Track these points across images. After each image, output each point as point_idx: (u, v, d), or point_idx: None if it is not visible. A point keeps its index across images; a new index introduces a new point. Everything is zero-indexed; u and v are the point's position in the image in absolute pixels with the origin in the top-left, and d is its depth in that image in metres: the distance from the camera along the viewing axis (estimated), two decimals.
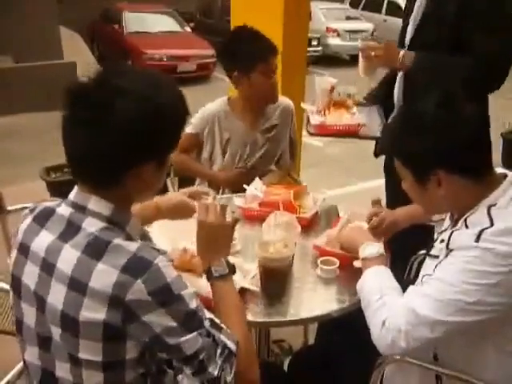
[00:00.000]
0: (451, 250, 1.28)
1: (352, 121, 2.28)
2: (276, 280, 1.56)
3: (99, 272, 1.02)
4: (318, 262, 1.66)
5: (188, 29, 11.87)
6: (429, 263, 1.42)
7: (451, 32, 2.01)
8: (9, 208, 2.44)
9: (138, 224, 1.19)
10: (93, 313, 1.02)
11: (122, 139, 1.04)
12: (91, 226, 1.08)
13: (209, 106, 2.48)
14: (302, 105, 2.57)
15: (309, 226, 1.96)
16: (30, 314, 1.12)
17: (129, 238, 1.11)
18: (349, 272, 1.65)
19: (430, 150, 1.26)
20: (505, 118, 5.00)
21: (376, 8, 14.69)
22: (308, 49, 13.12)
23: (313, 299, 1.60)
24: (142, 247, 1.06)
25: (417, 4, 2.17)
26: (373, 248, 1.50)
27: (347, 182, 5.10)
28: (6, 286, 1.97)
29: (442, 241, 1.35)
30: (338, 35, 12.76)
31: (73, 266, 1.05)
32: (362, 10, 14.81)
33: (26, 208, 1.22)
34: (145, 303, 1.02)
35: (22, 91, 7.43)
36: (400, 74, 2.25)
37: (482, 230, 1.23)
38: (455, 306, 1.21)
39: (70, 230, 1.09)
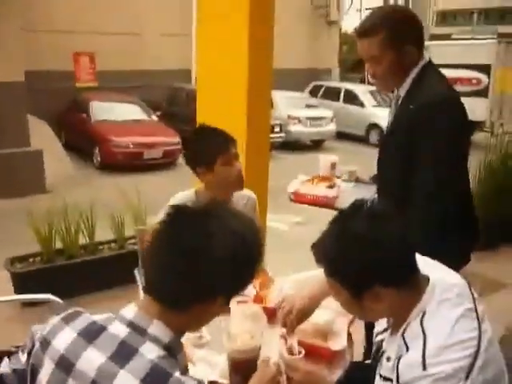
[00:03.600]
0: None
1: (322, 192, 2.37)
2: (245, 371, 1.59)
3: None
4: (284, 351, 1.71)
5: (154, 117, 12.23)
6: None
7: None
8: None
9: (185, 355, 1.19)
10: None
11: (212, 269, 1.09)
12: (150, 352, 1.05)
13: (179, 196, 2.54)
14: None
15: (274, 316, 2.00)
16: None
17: (180, 370, 1.08)
18: (315, 361, 1.69)
19: (367, 267, 1.27)
20: None
21: (334, 97, 15.55)
22: (271, 135, 13.63)
23: None
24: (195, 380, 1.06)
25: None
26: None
27: (313, 265, 5.18)
28: None
29: (389, 359, 1.37)
30: (299, 122, 13.36)
31: None
32: (320, 99, 15.62)
33: None
34: None
35: None
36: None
37: (424, 353, 1.26)
38: None
39: (125, 352, 1.05)
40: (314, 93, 16.13)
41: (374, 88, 15.85)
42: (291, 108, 13.64)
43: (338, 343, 1.68)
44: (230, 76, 3.69)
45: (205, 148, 2.41)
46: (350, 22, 25.43)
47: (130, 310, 1.12)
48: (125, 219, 4.44)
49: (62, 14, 13.24)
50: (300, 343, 1.74)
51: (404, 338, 1.33)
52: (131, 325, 1.09)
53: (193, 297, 1.11)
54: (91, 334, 1.09)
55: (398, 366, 1.31)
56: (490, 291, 4.42)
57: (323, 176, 2.48)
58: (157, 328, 1.09)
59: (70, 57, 13.35)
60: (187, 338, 1.79)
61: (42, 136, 9.78)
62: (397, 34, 2.04)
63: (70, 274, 4.14)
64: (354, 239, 1.28)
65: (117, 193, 4.48)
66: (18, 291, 3.95)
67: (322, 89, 16.21)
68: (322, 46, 18.91)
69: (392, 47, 2.05)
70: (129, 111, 11.88)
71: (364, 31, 2.10)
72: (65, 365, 1.07)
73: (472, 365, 1.26)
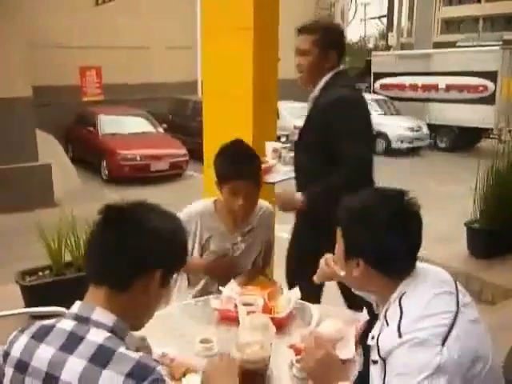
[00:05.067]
0: (384, 360, 1.37)
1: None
2: (254, 382, 1.60)
3: (105, 379, 1.09)
4: (293, 361, 1.71)
5: (161, 129, 12.29)
6: (373, 372, 1.46)
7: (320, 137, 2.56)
8: None
9: (134, 337, 1.27)
10: None
11: (146, 241, 1.23)
12: (96, 335, 1.15)
13: (196, 205, 2.54)
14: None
15: (283, 326, 2.02)
16: None
17: (127, 348, 1.17)
18: None
19: (364, 243, 1.48)
20: (466, 208, 5.23)
21: None
22: None
23: None
24: (144, 356, 1.15)
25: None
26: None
27: None
28: None
29: (372, 338, 1.46)
30: None
31: (79, 375, 1.10)
32: None
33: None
34: None
35: None
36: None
37: (399, 324, 1.36)
38: None
39: (73, 341, 1.15)
40: None
41: (380, 97, 15.89)
42: (297, 118, 13.65)
43: (346, 352, 1.68)
44: (236, 87, 3.72)
45: (218, 167, 2.43)
46: (354, 32, 25.60)
47: (74, 306, 1.23)
48: None
49: (68, 30, 13.41)
50: None
51: (385, 318, 1.43)
52: (76, 317, 1.20)
53: (129, 272, 1.22)
54: (41, 334, 1.19)
55: (378, 341, 1.40)
56: (501, 298, 4.40)
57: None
58: (99, 314, 1.19)
59: (76, 71, 13.49)
60: (198, 351, 1.80)
61: (50, 150, 9.85)
62: (327, 39, 2.58)
63: (79, 287, 4.14)
64: (374, 218, 1.46)
65: None
66: (28, 304, 3.96)
67: None
68: None
69: (322, 47, 2.57)
70: (135, 124, 11.97)
71: (304, 29, 2.62)
72: (21, 366, 1.17)
73: (448, 333, 1.32)
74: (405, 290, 1.43)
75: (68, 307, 2.56)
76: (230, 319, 2.06)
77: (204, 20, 3.92)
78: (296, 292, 2.19)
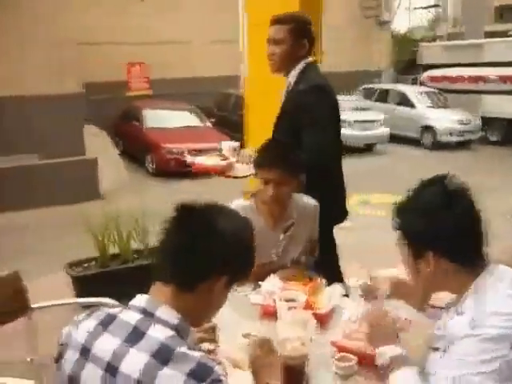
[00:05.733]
0: (449, 344, 1.37)
1: (216, 162, 2.91)
2: (295, 378, 1.58)
3: (166, 377, 1.10)
4: (335, 358, 1.68)
5: (208, 123, 12.35)
6: (432, 357, 1.47)
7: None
8: (33, 306, 2.51)
9: (195, 338, 1.32)
10: None
11: (222, 246, 1.26)
12: (158, 332, 1.17)
13: (237, 202, 2.54)
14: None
15: (325, 322, 1.99)
16: None
17: (188, 348, 1.18)
18: (368, 368, 1.67)
19: (425, 232, 1.43)
20: None
21: (385, 99, 15.30)
22: None
23: None
24: (203, 356, 1.16)
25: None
26: (397, 349, 1.54)
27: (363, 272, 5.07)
28: None
29: (439, 328, 1.46)
30: (350, 126, 13.19)
31: (140, 369, 1.12)
32: (371, 101, 15.39)
33: (51, 306, 1.29)
34: None
35: (45, 186, 7.74)
36: None
37: (473, 316, 1.34)
38: None
39: (136, 335, 1.17)
40: (365, 95, 15.92)
41: (428, 89, 15.50)
42: (342, 111, 13.45)
43: (392, 350, 1.63)
44: (279, 82, 3.70)
45: (256, 156, 2.47)
46: (400, 23, 25.03)
47: (140, 299, 1.25)
48: None
49: (115, 27, 13.67)
50: (353, 351, 1.72)
51: (459, 308, 1.42)
52: (141, 311, 1.22)
53: (198, 273, 1.24)
54: (106, 322, 1.22)
55: (446, 328, 1.41)
56: None
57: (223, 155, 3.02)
58: (165, 311, 1.21)
59: (124, 67, 13.74)
60: (240, 345, 1.79)
61: (100, 144, 10.10)
62: (302, 29, 2.74)
63: (124, 278, 4.23)
64: (422, 202, 1.46)
65: (169, 199, 4.55)
66: (77, 294, 4.08)
67: (373, 91, 15.97)
68: (372, 47, 18.69)
69: (295, 36, 2.71)
70: (182, 118, 12.06)
71: (278, 19, 2.76)
72: (84, 351, 1.20)
73: None
74: (481, 285, 1.41)
75: (114, 297, 2.62)
76: (271, 314, 2.04)
77: (249, 15, 3.91)
78: (338, 287, 2.15)
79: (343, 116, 13.22)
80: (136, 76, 14.23)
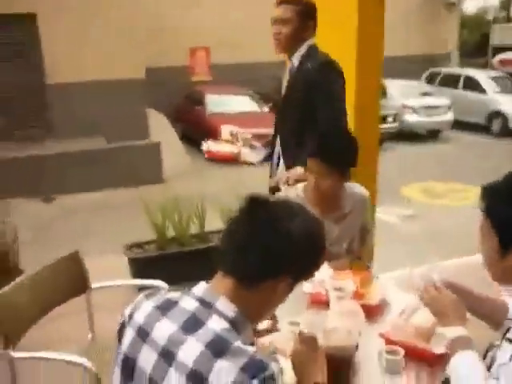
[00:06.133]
0: None
1: (228, 149, 3.24)
2: (341, 369, 1.57)
3: (219, 369, 1.08)
4: (383, 351, 1.66)
5: (266, 109, 12.34)
6: (505, 347, 1.38)
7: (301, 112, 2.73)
8: (93, 286, 2.62)
9: (252, 334, 1.28)
10: None
11: (290, 245, 1.21)
12: (215, 323, 1.16)
13: (286, 191, 2.53)
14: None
15: (374, 314, 1.96)
16: None
17: (243, 342, 1.16)
18: (416, 362, 1.63)
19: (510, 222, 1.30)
20: None
21: (452, 83, 14.70)
22: (384, 125, 13.13)
23: None
24: (258, 351, 1.14)
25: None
26: (459, 330, 1.44)
27: (421, 260, 4.94)
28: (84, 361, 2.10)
29: None
30: (414, 111, 12.82)
31: (195, 358, 1.11)
32: (438, 86, 14.85)
33: (109, 286, 1.31)
34: None
35: (111, 169, 8.00)
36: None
37: None
38: None
39: (194, 323, 1.16)
40: (431, 80, 15.37)
41: (497, 74, 14.78)
42: (406, 97, 13.12)
43: (440, 347, 1.59)
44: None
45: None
46: (471, 3, 23.88)
47: (200, 287, 1.23)
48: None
49: (175, 13, 13.81)
50: (402, 344, 1.68)
51: None
52: (200, 300, 1.20)
53: (261, 272, 1.20)
54: (165, 307, 1.22)
55: None
56: None
57: (226, 139, 3.21)
58: (223, 303, 1.19)
59: (186, 52, 13.87)
60: (286, 332, 1.79)
61: (161, 129, 10.29)
62: (308, 10, 2.78)
63: (181, 261, 4.32)
64: None
65: (226, 184, 4.61)
66: (134, 276, 4.21)
67: (440, 75, 15.36)
68: (440, 29, 17.96)
69: (302, 17, 2.74)
70: (241, 103, 12.10)
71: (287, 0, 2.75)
72: (142, 333, 1.20)
73: None
74: None
75: (169, 280, 2.69)
76: (320, 303, 2.03)
77: None
78: (389, 279, 2.11)
79: (409, 102, 12.87)
80: (200, 61, 14.35)
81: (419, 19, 17.36)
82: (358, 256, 2.62)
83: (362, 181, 3.65)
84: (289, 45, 2.81)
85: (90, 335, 2.60)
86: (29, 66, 8.22)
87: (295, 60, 2.84)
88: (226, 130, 2.79)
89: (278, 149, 3.03)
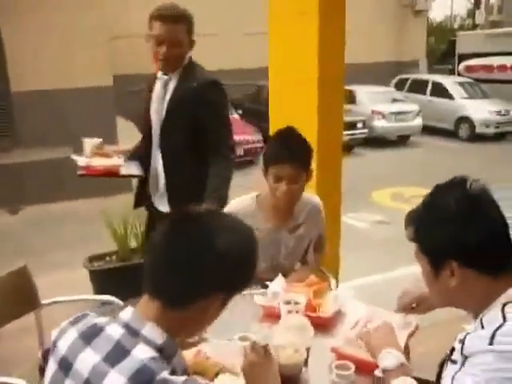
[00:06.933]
0: (466, 357, 1.23)
1: (110, 162, 2.76)
2: None
3: None
4: (333, 366, 1.60)
5: (236, 115, 12.30)
6: (449, 369, 1.34)
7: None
8: (43, 302, 2.51)
9: (182, 358, 1.20)
10: None
11: (218, 262, 1.13)
12: (141, 352, 1.08)
13: (234, 204, 2.44)
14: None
15: (328, 326, 1.91)
16: None
17: (173, 371, 1.10)
18: (368, 378, 1.58)
19: (446, 241, 1.29)
20: None
21: (421, 90, 14.90)
22: (353, 131, 13.23)
23: None
24: (188, 381, 1.07)
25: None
26: (393, 358, 1.45)
27: (391, 265, 4.94)
28: None
29: (460, 341, 1.31)
30: (383, 117, 12.94)
31: None
32: (406, 92, 15.03)
33: (57, 302, 1.22)
34: None
35: (80, 178, 7.81)
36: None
37: (496, 331, 1.19)
38: None
39: (118, 353, 1.08)
40: (399, 86, 15.54)
41: (464, 79, 15.04)
42: (375, 103, 13.24)
43: (390, 359, 1.54)
44: (301, 72, 3.62)
45: (267, 151, 2.35)
46: (438, 12, 24.31)
47: (127, 312, 1.15)
48: None
49: (143, 20, 13.68)
50: (353, 359, 1.63)
51: (481, 321, 1.27)
52: (126, 326, 1.12)
53: (190, 293, 1.12)
54: (89, 335, 1.13)
55: (464, 340, 1.26)
56: None
57: (97, 153, 2.82)
58: (150, 330, 1.11)
59: (149, 59, 13.73)
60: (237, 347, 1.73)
61: (130, 137, 10.14)
62: (192, 26, 2.67)
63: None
64: (441, 210, 1.32)
65: None
66: (95, 288, 4.10)
67: (408, 82, 15.54)
68: (408, 37, 18.22)
69: (190, 34, 2.65)
70: None
71: (175, 18, 2.58)
72: (64, 365, 1.12)
73: None
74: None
75: (132, 293, 2.60)
76: (273, 316, 1.98)
77: (270, 4, 3.84)
78: (348, 289, 2.07)
79: (378, 108, 12.97)
80: None
81: (388, 27, 17.59)
82: (317, 266, 2.59)
83: (327, 188, 3.64)
84: (178, 64, 2.68)
85: (39, 354, 2.50)
86: None
87: (174, 77, 2.70)
88: (88, 145, 2.60)
89: (155, 164, 2.84)
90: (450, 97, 14.16)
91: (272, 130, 3.92)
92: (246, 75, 14.48)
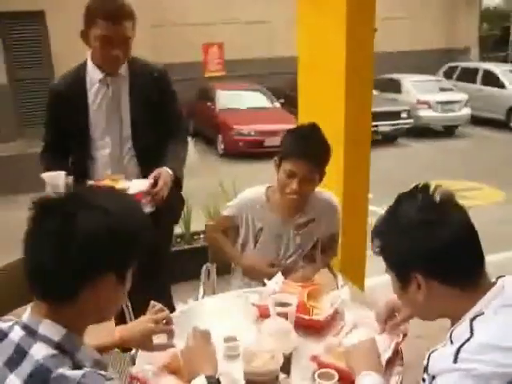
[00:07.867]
0: (433, 377, 1.16)
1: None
2: None
3: None
4: (315, 375, 1.53)
5: (277, 104, 12.21)
6: (425, 380, 1.27)
7: None
8: None
9: (90, 351, 1.15)
10: None
11: (81, 249, 1.06)
12: (38, 352, 1.05)
13: (247, 193, 2.45)
14: None
15: (321, 330, 1.83)
16: None
17: (78, 365, 1.06)
18: None
19: (409, 252, 1.24)
20: None
21: (470, 78, 14.32)
22: (397, 121, 12.92)
23: None
24: (87, 374, 1.03)
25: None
26: (370, 380, 1.38)
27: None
28: None
29: (427, 358, 1.24)
30: (429, 107, 12.53)
31: None
32: (455, 81, 14.49)
33: None
34: None
35: None
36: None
37: (460, 347, 1.12)
38: None
39: (17, 356, 1.06)
40: (448, 74, 14.98)
41: None
42: (422, 92, 12.83)
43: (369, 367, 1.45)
44: (328, 60, 3.56)
45: (284, 145, 2.28)
46: None
47: (27, 312, 1.12)
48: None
49: (190, 7, 13.74)
50: (333, 367, 1.56)
51: (451, 336, 1.22)
52: (25, 327, 1.09)
53: (75, 281, 1.07)
54: None
55: (429, 358, 1.22)
56: None
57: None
58: (46, 327, 1.08)
59: (199, 48, 13.80)
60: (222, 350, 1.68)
61: None
62: (135, 19, 2.37)
63: (191, 258, 4.13)
64: (400, 220, 1.27)
65: (236, 180, 4.55)
66: None
67: (458, 70, 14.98)
68: (459, 23, 17.51)
69: (133, 29, 2.37)
70: (252, 99, 12.00)
71: (123, 16, 2.30)
72: None
73: None
74: (483, 310, 1.19)
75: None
76: (268, 316, 1.91)
77: None
78: (345, 291, 1.98)
79: (424, 97, 12.61)
80: (213, 57, 14.26)
81: (438, 13, 16.98)
82: (324, 266, 2.51)
83: (354, 182, 3.55)
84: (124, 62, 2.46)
85: None
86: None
87: (123, 70, 2.46)
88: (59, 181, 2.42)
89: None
90: (502, 85, 13.52)
91: (301, 120, 3.85)
92: (289, 64, 14.33)
